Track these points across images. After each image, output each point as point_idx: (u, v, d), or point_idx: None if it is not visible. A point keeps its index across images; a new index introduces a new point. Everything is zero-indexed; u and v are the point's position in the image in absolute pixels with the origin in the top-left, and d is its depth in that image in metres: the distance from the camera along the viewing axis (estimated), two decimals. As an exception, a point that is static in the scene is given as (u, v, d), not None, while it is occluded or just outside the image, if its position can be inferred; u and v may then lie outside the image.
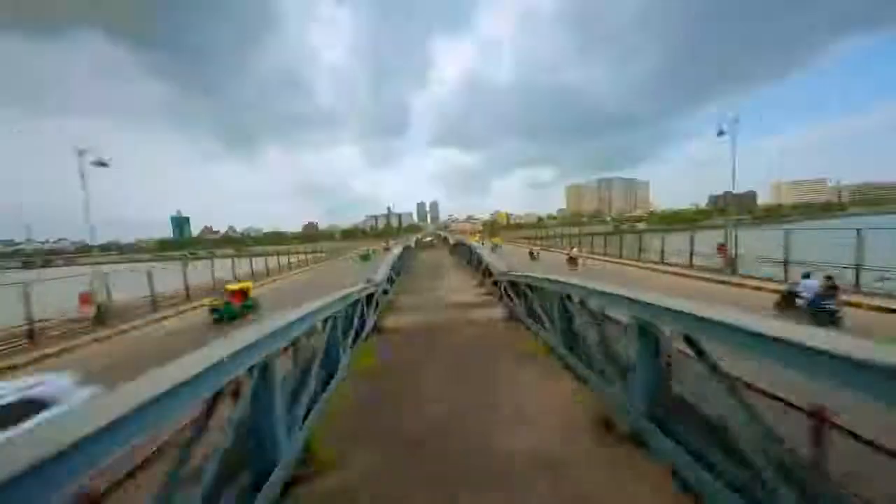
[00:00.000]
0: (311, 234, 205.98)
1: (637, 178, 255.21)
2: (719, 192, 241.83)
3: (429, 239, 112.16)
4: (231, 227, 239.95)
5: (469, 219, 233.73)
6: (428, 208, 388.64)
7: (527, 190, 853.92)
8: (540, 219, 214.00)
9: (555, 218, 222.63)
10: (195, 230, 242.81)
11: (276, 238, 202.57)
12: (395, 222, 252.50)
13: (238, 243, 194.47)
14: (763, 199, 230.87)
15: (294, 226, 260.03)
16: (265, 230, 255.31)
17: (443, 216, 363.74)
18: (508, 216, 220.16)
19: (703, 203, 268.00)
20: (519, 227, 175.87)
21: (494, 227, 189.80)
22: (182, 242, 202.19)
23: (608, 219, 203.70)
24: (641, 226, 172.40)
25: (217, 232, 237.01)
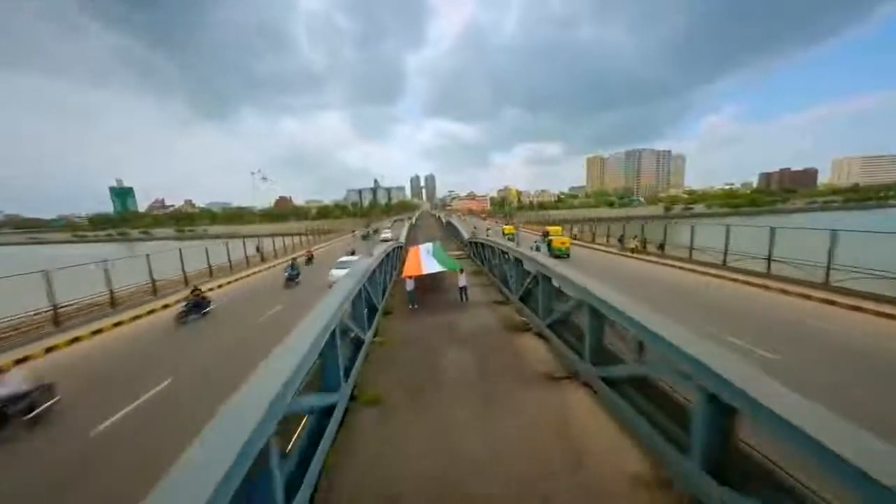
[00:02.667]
0: (280, 213, 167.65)
1: (671, 150, 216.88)
2: (771, 169, 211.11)
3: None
4: (188, 202, 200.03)
5: (471, 196, 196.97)
6: (423, 183, 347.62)
7: (531, 166, 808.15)
8: (559, 198, 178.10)
9: (575, 197, 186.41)
10: (144, 204, 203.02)
11: (237, 216, 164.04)
12: (384, 198, 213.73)
13: (188, 220, 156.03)
14: (823, 178, 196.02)
15: (267, 201, 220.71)
16: (236, 205, 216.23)
17: (440, 192, 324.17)
18: (519, 193, 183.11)
19: (737, 182, 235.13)
20: (541, 206, 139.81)
21: (506, 207, 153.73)
22: (115, 219, 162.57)
23: (640, 199, 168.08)
24: (700, 208, 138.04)
25: (170, 207, 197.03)
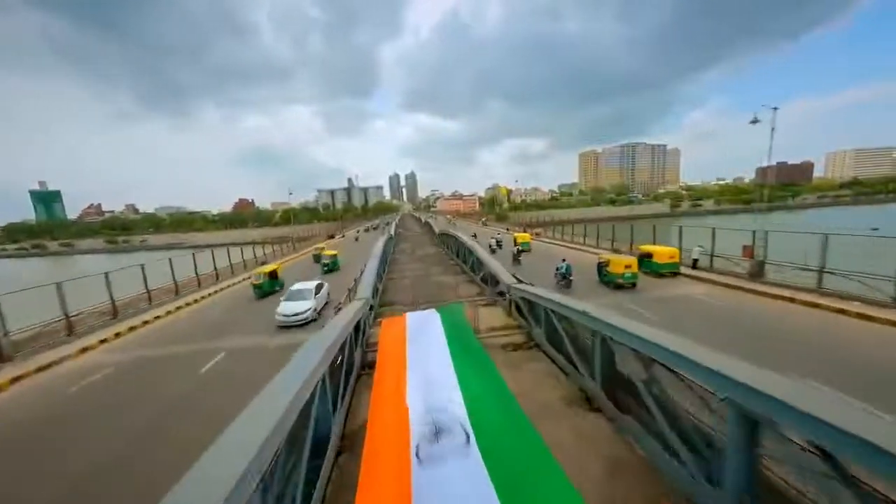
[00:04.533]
0: (238, 217, 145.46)
1: (667, 144, 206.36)
2: (765, 164, 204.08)
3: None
4: (130, 207, 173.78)
5: (458, 195, 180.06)
6: (403, 182, 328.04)
7: (517, 163, 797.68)
8: (554, 196, 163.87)
9: (569, 195, 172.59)
10: (77, 210, 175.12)
11: (186, 222, 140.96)
12: (359, 199, 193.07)
13: (124, 229, 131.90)
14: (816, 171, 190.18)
15: (227, 204, 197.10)
16: (190, 209, 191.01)
17: (422, 192, 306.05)
18: (509, 192, 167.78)
19: (728, 178, 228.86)
20: (538, 206, 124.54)
21: (496, 208, 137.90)
22: (37, 228, 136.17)
23: (639, 195, 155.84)
24: (709, 204, 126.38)
25: (110, 213, 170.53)
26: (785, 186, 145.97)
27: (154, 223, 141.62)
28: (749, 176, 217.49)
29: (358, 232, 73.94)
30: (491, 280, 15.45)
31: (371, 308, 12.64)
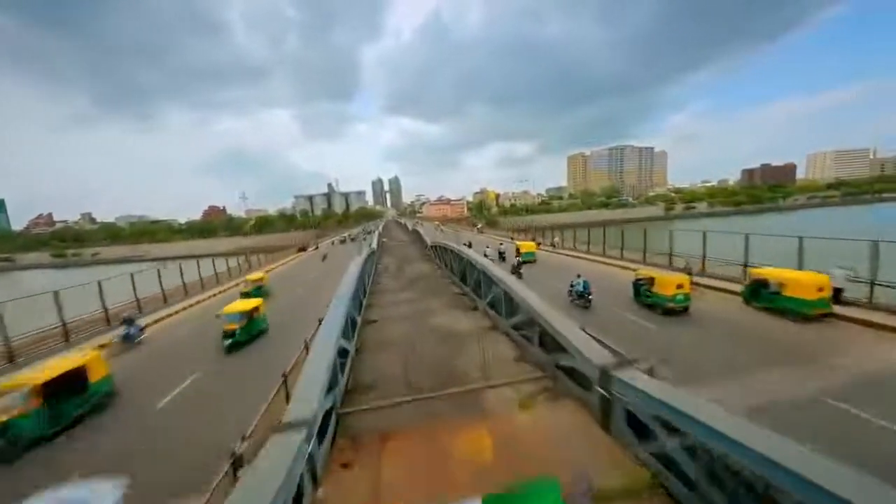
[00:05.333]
0: (207, 227, 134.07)
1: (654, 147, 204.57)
2: (752, 165, 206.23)
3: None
4: (86, 216, 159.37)
5: (445, 200, 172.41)
6: (387, 187, 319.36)
7: (503, 167, 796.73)
8: (544, 200, 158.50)
9: (560, 198, 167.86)
10: (22, 220, 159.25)
11: (148, 232, 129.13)
12: (340, 205, 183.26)
13: (76, 241, 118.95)
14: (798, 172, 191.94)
15: (197, 212, 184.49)
16: (156, 218, 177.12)
17: (406, 197, 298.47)
18: (497, 196, 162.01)
19: (714, 180, 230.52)
20: (528, 210, 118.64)
21: (484, 212, 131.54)
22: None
23: (629, 198, 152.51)
24: (702, 207, 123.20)
25: (63, 223, 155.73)
26: (773, 188, 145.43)
27: (112, 234, 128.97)
28: (733, 178, 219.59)
29: (332, 244, 64.54)
30: (551, 344, 8.21)
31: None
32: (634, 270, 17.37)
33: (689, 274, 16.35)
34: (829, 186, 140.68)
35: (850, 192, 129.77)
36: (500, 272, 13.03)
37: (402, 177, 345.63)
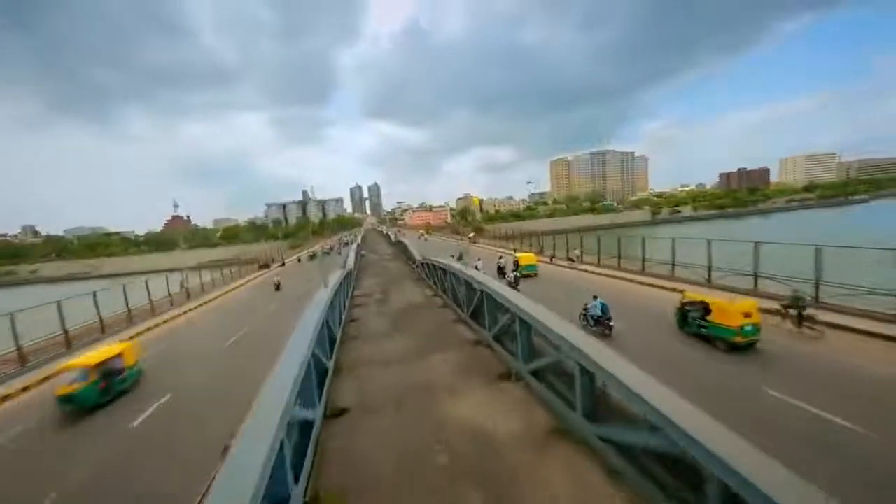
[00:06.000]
0: (168, 238, 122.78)
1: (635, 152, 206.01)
2: (728, 170, 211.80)
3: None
4: (28, 228, 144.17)
5: (426, 207, 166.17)
6: (366, 194, 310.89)
7: (485, 173, 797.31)
8: (529, 206, 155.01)
9: (545, 203, 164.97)
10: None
11: (100, 245, 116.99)
12: (316, 213, 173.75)
13: (17, 256, 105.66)
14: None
15: (159, 223, 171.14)
16: (112, 230, 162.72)
17: (387, 204, 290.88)
18: (481, 202, 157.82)
19: (691, 184, 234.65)
20: (514, 216, 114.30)
21: (468, 218, 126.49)
22: None
23: (614, 203, 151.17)
24: (688, 210, 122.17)
25: (1, 237, 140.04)
26: (752, 191, 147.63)
27: (58, 248, 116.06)
28: (710, 181, 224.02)
29: (299, 260, 52.25)
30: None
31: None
32: (680, 291, 13.33)
33: (802, 307, 11.13)
34: (806, 189, 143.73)
35: (824, 194, 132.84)
36: (575, 332, 7.17)
37: (382, 184, 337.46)
